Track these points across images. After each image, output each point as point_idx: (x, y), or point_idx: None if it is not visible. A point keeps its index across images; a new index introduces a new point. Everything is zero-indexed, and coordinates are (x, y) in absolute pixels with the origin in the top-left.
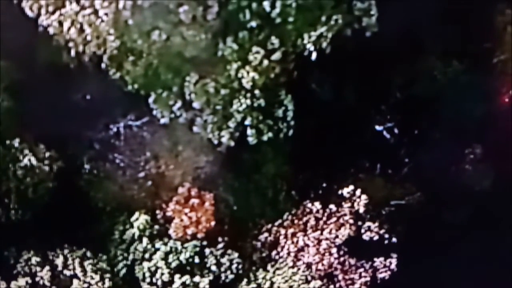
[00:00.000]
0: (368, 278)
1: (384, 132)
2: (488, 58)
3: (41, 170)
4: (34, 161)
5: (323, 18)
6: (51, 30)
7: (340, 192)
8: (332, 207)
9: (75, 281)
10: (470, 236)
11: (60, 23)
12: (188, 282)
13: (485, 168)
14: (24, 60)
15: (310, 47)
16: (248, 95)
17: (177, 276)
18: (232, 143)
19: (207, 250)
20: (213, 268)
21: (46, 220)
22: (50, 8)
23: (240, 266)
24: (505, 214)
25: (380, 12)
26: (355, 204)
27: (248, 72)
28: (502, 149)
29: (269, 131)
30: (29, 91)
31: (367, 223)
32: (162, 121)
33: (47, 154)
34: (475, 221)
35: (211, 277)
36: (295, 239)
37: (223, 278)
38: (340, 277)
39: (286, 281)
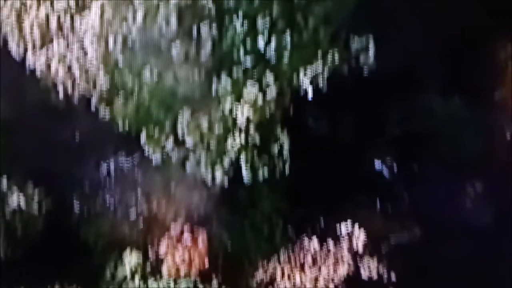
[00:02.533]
0: None
1: (383, 168)
2: (488, 93)
3: (30, 208)
4: (22, 199)
5: (319, 55)
6: (38, 72)
7: (337, 228)
8: (330, 243)
9: None
10: (470, 272)
11: (48, 65)
12: None
13: (485, 203)
14: (12, 100)
15: (306, 83)
16: (243, 132)
17: None
18: (226, 181)
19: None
20: None
21: (36, 258)
22: (37, 49)
23: None
24: (505, 250)
25: (378, 48)
26: (353, 240)
27: (242, 109)
28: (502, 185)
29: (265, 167)
30: (18, 130)
31: (366, 260)
32: (154, 159)
33: (37, 192)
34: (475, 256)
35: None
36: (291, 277)
37: None
38: None
39: None
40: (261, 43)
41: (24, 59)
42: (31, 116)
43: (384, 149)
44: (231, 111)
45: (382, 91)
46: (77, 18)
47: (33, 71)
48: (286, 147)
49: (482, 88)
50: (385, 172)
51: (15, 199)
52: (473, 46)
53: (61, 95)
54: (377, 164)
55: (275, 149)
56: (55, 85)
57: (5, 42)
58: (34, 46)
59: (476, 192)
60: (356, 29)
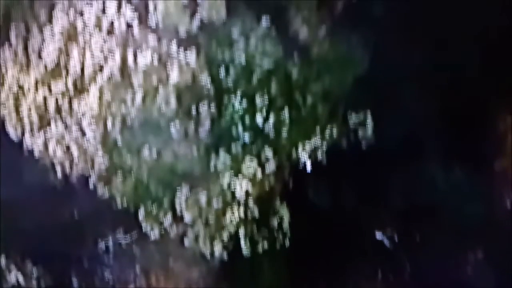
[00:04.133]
0: None
1: (384, 239)
2: (489, 164)
3: (29, 285)
4: (21, 278)
5: (318, 130)
6: (36, 153)
7: None
8: None
9: None
10: None
11: (46, 146)
12: None
13: (487, 272)
14: (10, 180)
15: (305, 158)
16: (242, 206)
17: None
18: (226, 256)
19: None
20: None
21: None
22: (35, 130)
23: None
24: None
25: (377, 121)
26: None
27: (241, 184)
28: (504, 254)
29: (264, 241)
30: (17, 209)
31: None
32: (152, 236)
33: (35, 271)
34: None
35: None
36: None
37: None
38: None
39: None
40: (259, 119)
41: (22, 140)
42: (29, 195)
43: (385, 220)
44: (229, 185)
45: (382, 163)
46: (75, 101)
47: (31, 151)
48: (286, 220)
49: (482, 159)
50: (387, 242)
51: (14, 277)
52: (473, 118)
53: (59, 174)
54: (378, 235)
55: (275, 222)
56: (53, 165)
57: (3, 123)
58: (32, 129)
59: (478, 261)
60: (354, 105)
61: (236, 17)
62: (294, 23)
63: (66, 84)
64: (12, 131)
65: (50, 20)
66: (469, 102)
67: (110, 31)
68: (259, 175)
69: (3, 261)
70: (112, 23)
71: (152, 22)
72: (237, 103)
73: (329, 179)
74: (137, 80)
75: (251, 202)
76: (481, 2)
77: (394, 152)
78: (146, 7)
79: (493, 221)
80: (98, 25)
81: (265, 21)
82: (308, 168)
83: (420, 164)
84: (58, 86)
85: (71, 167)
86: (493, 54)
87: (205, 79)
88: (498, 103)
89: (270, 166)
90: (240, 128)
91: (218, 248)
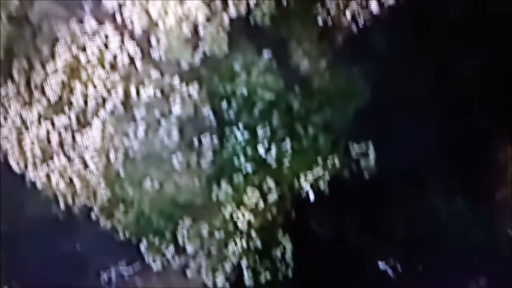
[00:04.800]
0: None
1: (388, 269)
2: (490, 194)
3: None
4: None
5: (320, 161)
6: (39, 185)
7: None
8: None
9: None
10: None
11: (48, 177)
12: None
13: None
14: (13, 211)
15: (307, 188)
16: (244, 236)
17: None
18: (228, 287)
19: None
20: None
21: None
22: (38, 163)
23: None
24: None
25: (379, 152)
26: None
27: (243, 214)
28: (506, 282)
29: (267, 272)
30: (19, 241)
31: None
32: (155, 267)
33: None
34: None
35: None
36: None
37: None
38: None
39: None
40: (261, 150)
41: (24, 173)
42: (32, 227)
43: (388, 250)
44: (232, 216)
45: (385, 193)
46: (78, 134)
47: (33, 183)
48: (288, 250)
49: (483, 189)
50: (390, 272)
51: None
52: (473, 149)
53: (62, 206)
54: (381, 265)
55: (278, 252)
56: (56, 197)
57: (5, 156)
58: (34, 162)
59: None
60: (356, 135)
61: (238, 50)
62: (295, 55)
63: (69, 118)
64: (15, 165)
65: (52, 55)
66: (469, 133)
67: (113, 66)
68: (261, 205)
69: None
70: (115, 58)
71: (155, 56)
72: (239, 134)
73: (331, 209)
74: (139, 113)
75: (253, 233)
76: (480, 35)
77: (396, 182)
78: (149, 41)
79: (495, 250)
80: (101, 60)
81: (266, 54)
82: (311, 198)
83: (422, 194)
84: (61, 120)
85: (73, 199)
86: (493, 86)
87: (207, 111)
88: (498, 134)
89: (272, 197)
90: (242, 158)
91: (220, 279)
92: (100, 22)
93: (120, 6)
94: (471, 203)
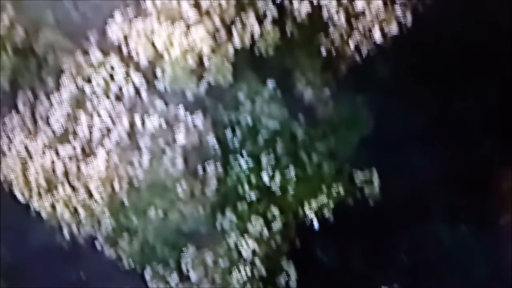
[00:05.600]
0: None
1: None
2: (493, 220)
3: None
4: None
5: (324, 188)
6: (43, 214)
7: None
8: None
9: None
10: None
11: (53, 207)
12: None
13: None
14: (17, 241)
15: (312, 216)
16: (248, 265)
17: None
18: None
19: None
20: None
21: None
22: (42, 194)
23: None
24: None
25: (383, 179)
26: None
27: (247, 242)
28: None
29: None
30: (23, 272)
31: None
32: None
33: None
34: None
35: None
36: None
37: None
38: None
39: None
40: (265, 178)
41: (29, 203)
42: (37, 257)
43: (392, 276)
44: (236, 244)
45: (389, 220)
46: (83, 164)
47: (38, 213)
48: (293, 278)
49: (487, 216)
50: None
51: None
52: (476, 176)
53: (67, 236)
54: None
55: (282, 281)
56: (60, 226)
57: (10, 186)
58: (39, 192)
59: None
60: (361, 163)
61: (242, 80)
62: (299, 85)
63: (73, 148)
64: (20, 195)
65: (57, 87)
66: (472, 160)
67: (118, 96)
68: (265, 233)
69: None
70: (120, 89)
71: (160, 86)
72: (243, 162)
73: (336, 236)
74: (144, 142)
75: (258, 261)
76: (482, 65)
77: (400, 209)
78: (154, 72)
79: (499, 276)
80: (106, 92)
81: (270, 84)
82: (315, 226)
83: (425, 220)
84: (65, 150)
85: (78, 228)
86: (495, 114)
87: (211, 140)
88: (500, 161)
89: (277, 224)
90: (246, 186)
91: None
92: (106, 54)
93: (125, 37)
94: (475, 230)
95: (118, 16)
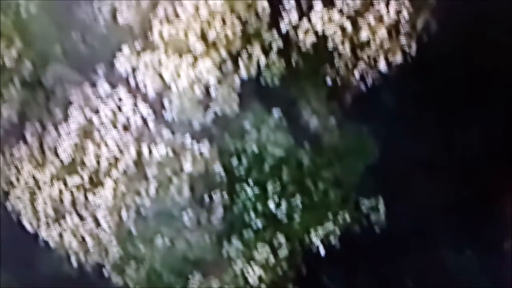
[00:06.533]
0: None
1: None
2: (499, 246)
3: None
4: None
5: (330, 216)
6: (51, 244)
7: None
8: None
9: None
10: None
11: (61, 236)
12: None
13: None
14: (25, 273)
15: (318, 243)
16: None
17: None
18: None
19: None
20: None
21: None
22: (50, 223)
23: None
24: None
25: (389, 206)
26: None
27: (254, 270)
28: None
29: None
30: None
31: None
32: None
33: None
34: None
35: None
36: None
37: None
38: None
39: None
40: (271, 205)
41: (37, 232)
42: (45, 285)
43: None
44: (242, 271)
45: (395, 246)
46: (90, 193)
47: (46, 242)
48: None
49: (492, 240)
50: None
51: None
52: (481, 202)
53: (74, 264)
54: None
55: None
56: (68, 255)
57: (19, 216)
58: (47, 221)
59: None
60: (366, 190)
61: (248, 109)
62: (305, 114)
63: (81, 177)
64: (28, 224)
65: (65, 118)
66: (477, 186)
67: (126, 127)
68: (271, 260)
69: None
70: (128, 119)
71: (167, 117)
72: (249, 190)
73: (342, 263)
74: (151, 171)
75: (264, 287)
76: (488, 92)
77: (406, 236)
78: (162, 103)
79: None
80: (114, 122)
81: (276, 113)
82: (321, 253)
83: (431, 246)
84: (73, 180)
85: (86, 257)
86: (498, 141)
87: (217, 168)
88: (504, 186)
89: (283, 252)
90: (252, 214)
91: None
92: (114, 86)
93: (133, 69)
94: (479, 255)
95: (125, 49)
